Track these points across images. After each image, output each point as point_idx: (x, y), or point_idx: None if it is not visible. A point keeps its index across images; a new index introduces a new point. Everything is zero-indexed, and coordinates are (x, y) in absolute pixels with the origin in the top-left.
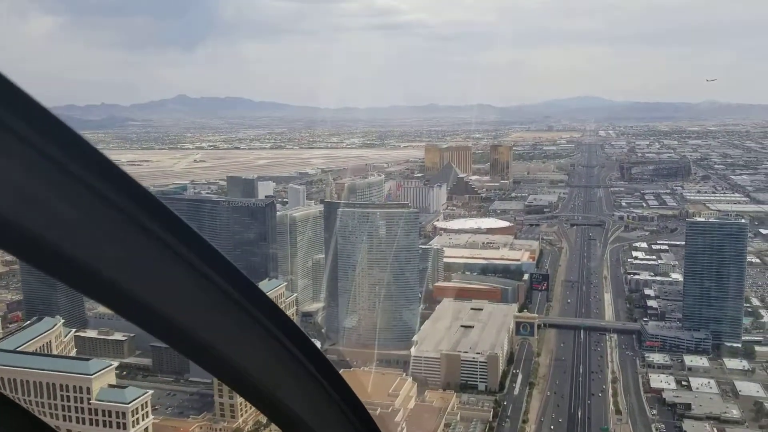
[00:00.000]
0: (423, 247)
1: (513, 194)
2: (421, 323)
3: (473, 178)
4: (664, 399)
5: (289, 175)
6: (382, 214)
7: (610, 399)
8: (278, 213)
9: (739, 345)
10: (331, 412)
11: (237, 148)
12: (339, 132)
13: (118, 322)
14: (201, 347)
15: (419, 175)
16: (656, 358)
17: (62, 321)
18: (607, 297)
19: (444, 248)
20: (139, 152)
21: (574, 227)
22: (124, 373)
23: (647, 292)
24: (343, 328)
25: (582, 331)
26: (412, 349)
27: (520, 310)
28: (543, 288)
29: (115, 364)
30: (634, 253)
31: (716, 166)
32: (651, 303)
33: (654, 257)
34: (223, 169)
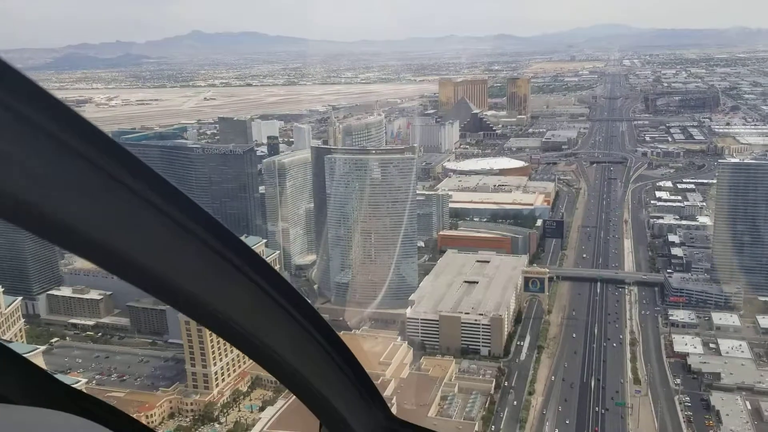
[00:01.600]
0: (427, 193)
1: (530, 130)
2: (424, 276)
3: (489, 113)
4: (690, 366)
5: (299, 113)
6: (376, 159)
7: (628, 365)
8: (266, 159)
9: None
10: (326, 366)
11: (249, 85)
12: (355, 66)
13: (94, 279)
14: (187, 298)
15: (432, 111)
16: (681, 315)
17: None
18: (628, 244)
19: (452, 192)
20: (150, 91)
21: (594, 165)
22: (99, 334)
23: (672, 238)
24: (336, 284)
25: (599, 284)
26: (408, 310)
27: (532, 262)
28: (557, 236)
29: (91, 323)
30: (658, 194)
31: (746, 95)
32: (676, 251)
33: (679, 198)
34: (233, 107)
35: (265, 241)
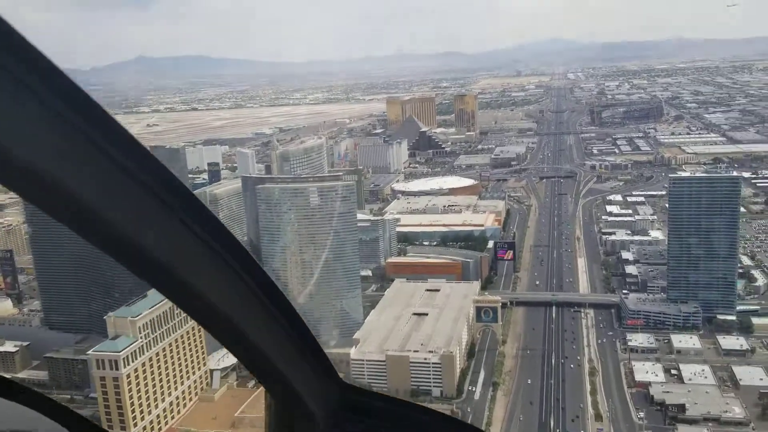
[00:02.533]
0: (373, 218)
1: (479, 146)
2: (370, 309)
3: (438, 130)
4: (653, 396)
5: (246, 136)
6: (313, 187)
7: (588, 399)
8: (197, 190)
9: (734, 317)
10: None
11: (195, 109)
12: (304, 87)
13: (9, 329)
14: (148, 261)
15: (380, 130)
16: (639, 339)
17: None
18: (581, 263)
19: (400, 216)
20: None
21: (544, 180)
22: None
23: (625, 255)
24: None
25: (554, 308)
26: (353, 350)
27: (484, 287)
28: (509, 258)
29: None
30: (609, 208)
31: (688, 104)
32: (630, 269)
33: (630, 211)
34: (177, 133)
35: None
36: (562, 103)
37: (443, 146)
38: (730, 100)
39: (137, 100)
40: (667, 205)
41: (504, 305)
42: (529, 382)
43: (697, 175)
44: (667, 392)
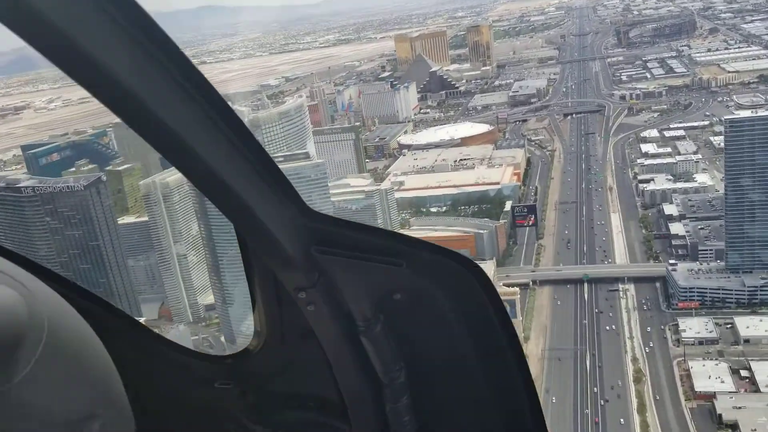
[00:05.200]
0: (367, 189)
1: (496, 83)
2: None
3: (451, 68)
4: (720, 415)
5: (250, 89)
6: None
7: (636, 420)
8: (143, 181)
9: None
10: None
11: (204, 62)
12: (315, 30)
13: None
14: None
15: (387, 73)
16: (695, 326)
17: None
18: (615, 221)
19: (405, 177)
20: None
21: (568, 118)
22: None
23: (668, 210)
24: (242, 335)
25: (585, 285)
26: None
27: (501, 263)
28: (530, 223)
29: None
30: (644, 147)
31: (723, 15)
32: (675, 228)
33: (669, 150)
34: None
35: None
36: (585, 25)
37: (456, 86)
38: None
39: None
40: (712, 140)
41: (525, 286)
42: (553, 400)
43: (761, 114)
44: (739, 407)
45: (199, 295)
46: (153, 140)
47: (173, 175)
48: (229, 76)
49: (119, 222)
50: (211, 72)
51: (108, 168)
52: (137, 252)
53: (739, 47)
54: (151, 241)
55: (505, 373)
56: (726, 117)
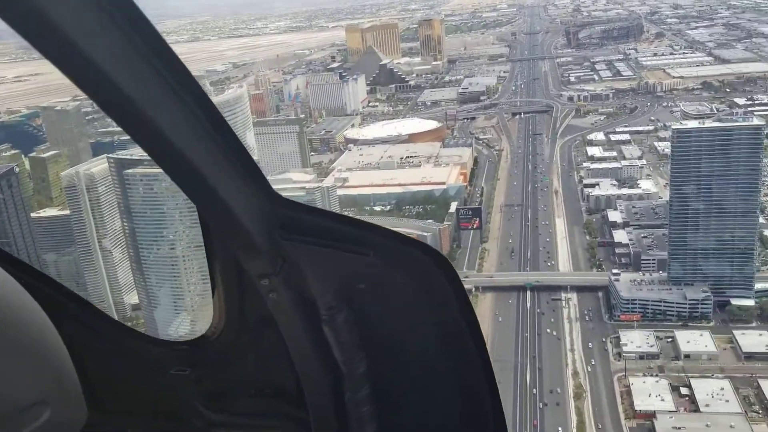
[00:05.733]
0: (309, 185)
1: (447, 78)
2: None
3: (402, 61)
4: None
5: (196, 74)
6: None
7: None
8: (65, 171)
9: (753, 301)
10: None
11: None
12: (267, 15)
13: None
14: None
15: (337, 64)
16: (636, 339)
17: None
18: (560, 226)
19: (350, 173)
20: (34, 64)
21: (517, 117)
22: None
23: (612, 216)
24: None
25: (529, 293)
26: None
27: None
28: (474, 226)
29: None
30: (590, 150)
31: (669, 20)
32: (619, 235)
33: (614, 154)
34: None
35: None
36: (536, 24)
37: (407, 79)
38: (712, 14)
39: None
40: (657, 145)
41: (469, 291)
42: None
43: (708, 125)
44: (678, 428)
45: (126, 294)
46: (114, 114)
47: (98, 166)
48: None
49: (40, 215)
50: None
51: (32, 154)
52: (59, 247)
53: (684, 53)
54: (73, 236)
55: (467, 365)
56: (673, 126)
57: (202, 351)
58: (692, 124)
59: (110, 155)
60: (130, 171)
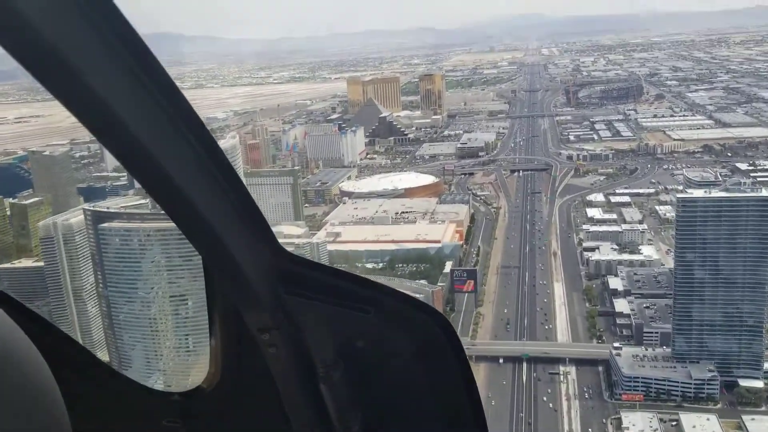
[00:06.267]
0: (297, 241)
1: (446, 132)
2: None
3: (402, 114)
4: None
5: None
6: (157, 229)
7: None
8: (42, 222)
9: (762, 383)
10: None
11: None
12: (270, 65)
13: None
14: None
15: (336, 115)
16: (638, 424)
17: None
18: (559, 291)
19: (343, 228)
20: (37, 105)
21: (516, 174)
22: None
23: (613, 283)
24: None
25: (525, 365)
26: None
27: None
28: (469, 289)
29: None
30: (589, 212)
31: (668, 81)
32: (620, 305)
33: (614, 216)
34: None
35: None
36: (536, 81)
37: (406, 132)
38: (712, 77)
39: None
40: (658, 209)
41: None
42: None
43: (714, 194)
44: None
45: (99, 351)
46: (122, 158)
47: (77, 216)
48: None
49: (16, 265)
50: None
51: (13, 201)
52: (31, 300)
53: (684, 115)
54: (47, 289)
55: (463, 430)
56: (678, 195)
57: (196, 403)
58: (698, 192)
59: (87, 206)
60: (105, 225)
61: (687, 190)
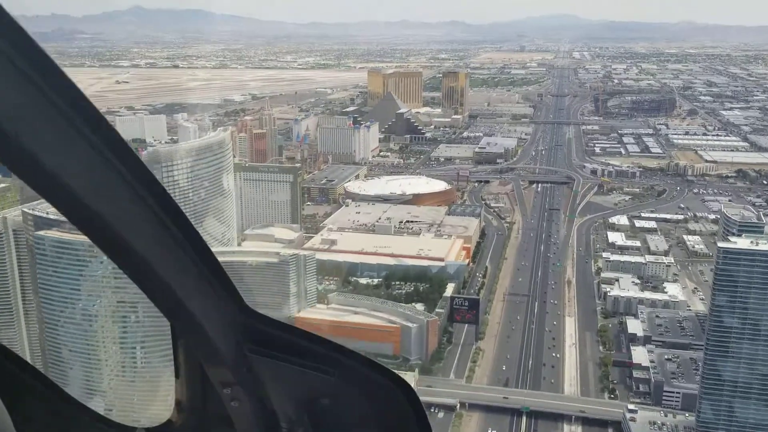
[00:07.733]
0: (284, 253)
1: (465, 134)
2: None
3: (422, 110)
4: None
5: (213, 102)
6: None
7: None
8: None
9: None
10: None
11: (176, 66)
12: (298, 49)
13: None
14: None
15: (353, 108)
16: None
17: None
18: (570, 328)
19: (341, 234)
20: (64, 71)
21: (534, 186)
22: None
23: (632, 326)
24: None
25: (524, 419)
26: None
27: (426, 370)
28: (469, 319)
29: None
30: (611, 236)
31: (702, 97)
32: (638, 354)
33: (638, 243)
34: (142, 92)
35: None
36: (564, 86)
37: (423, 131)
38: (748, 95)
39: (124, 52)
40: (686, 239)
41: (451, 409)
42: None
43: (762, 246)
44: None
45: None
46: (87, 229)
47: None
48: (197, 84)
49: None
50: (181, 78)
51: None
52: None
53: (717, 134)
54: None
55: None
56: (719, 244)
57: None
58: (741, 243)
59: (25, 207)
60: (41, 233)
61: (728, 237)
